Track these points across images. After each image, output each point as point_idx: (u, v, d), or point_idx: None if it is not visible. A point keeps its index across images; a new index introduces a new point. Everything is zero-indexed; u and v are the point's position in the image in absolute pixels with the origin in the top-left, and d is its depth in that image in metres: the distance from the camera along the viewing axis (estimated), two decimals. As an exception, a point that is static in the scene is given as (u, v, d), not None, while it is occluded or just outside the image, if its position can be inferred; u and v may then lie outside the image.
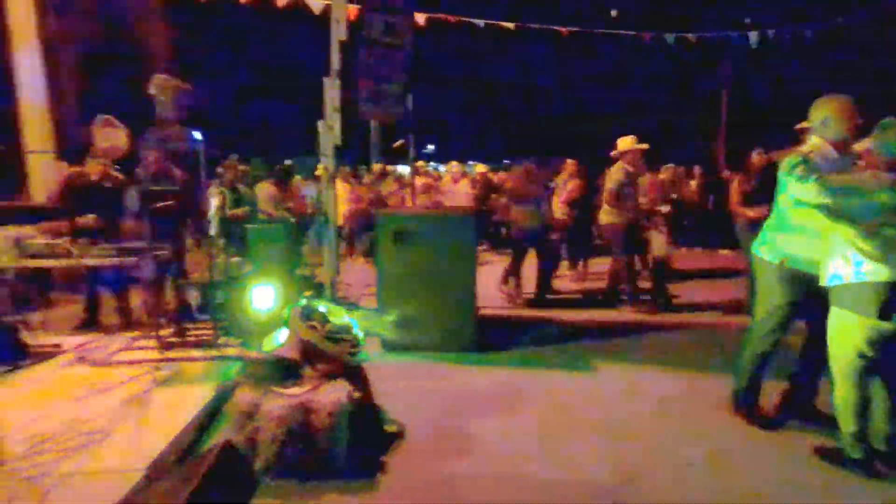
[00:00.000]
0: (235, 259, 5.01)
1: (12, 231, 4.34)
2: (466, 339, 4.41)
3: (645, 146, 5.72)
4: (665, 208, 6.30)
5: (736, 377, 3.21)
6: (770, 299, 2.99)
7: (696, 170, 10.99)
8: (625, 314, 5.61)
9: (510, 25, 9.88)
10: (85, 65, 8.16)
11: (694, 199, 10.31)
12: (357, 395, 2.77)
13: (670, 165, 9.54)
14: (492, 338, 4.67)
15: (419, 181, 9.12)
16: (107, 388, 3.41)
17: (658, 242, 5.90)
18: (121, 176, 5.39)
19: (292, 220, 6.89)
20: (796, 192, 2.72)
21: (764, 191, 4.00)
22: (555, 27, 10.23)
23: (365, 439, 2.73)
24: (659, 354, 4.37)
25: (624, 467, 2.72)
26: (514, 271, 6.09)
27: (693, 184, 10.67)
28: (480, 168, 11.05)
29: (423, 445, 2.92)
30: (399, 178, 10.41)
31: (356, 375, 2.94)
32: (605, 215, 5.78)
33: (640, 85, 25.11)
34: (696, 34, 10.51)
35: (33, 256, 4.62)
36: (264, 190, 7.22)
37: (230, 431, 2.65)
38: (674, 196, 8.61)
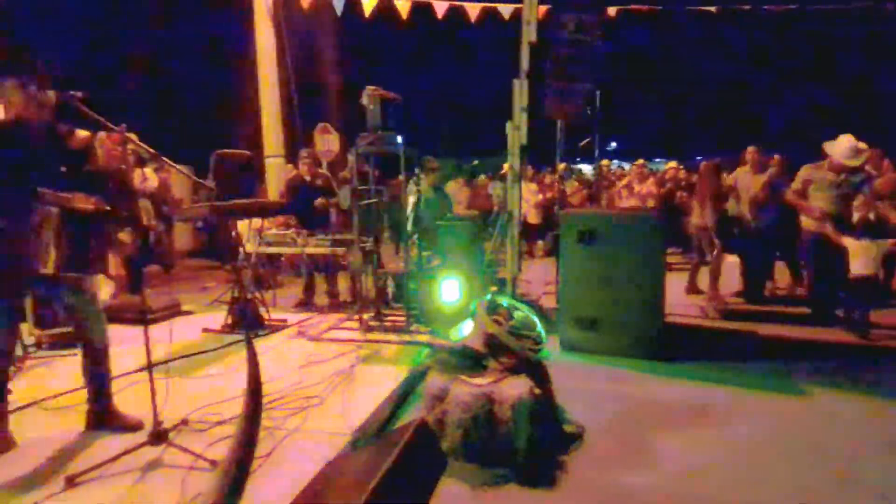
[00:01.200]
0: (426, 253, 5.42)
1: (256, 223, 5.24)
2: (652, 345, 4.21)
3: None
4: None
5: None
6: None
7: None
8: (837, 334, 4.81)
9: (712, 9, 9.07)
10: (306, 82, 9.49)
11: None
12: (538, 391, 2.84)
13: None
14: (680, 347, 4.39)
15: (608, 178, 8.84)
16: (321, 361, 3.96)
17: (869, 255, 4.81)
18: (328, 175, 6.20)
19: (477, 217, 7.21)
20: None
21: None
22: (768, 6, 9.13)
23: (545, 436, 2.79)
24: (887, 386, 3.71)
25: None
26: (713, 276, 5.66)
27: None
28: (671, 165, 10.34)
29: (602, 451, 2.88)
30: (582, 178, 10.22)
31: (538, 372, 3.01)
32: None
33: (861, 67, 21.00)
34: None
35: (269, 244, 5.52)
36: (453, 188, 7.67)
37: (421, 410, 2.91)
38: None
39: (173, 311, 5.42)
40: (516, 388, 2.78)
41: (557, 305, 4.63)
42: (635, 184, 8.67)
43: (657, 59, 24.28)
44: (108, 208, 2.64)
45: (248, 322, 4.72)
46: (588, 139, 6.60)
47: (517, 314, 3.21)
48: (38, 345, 4.12)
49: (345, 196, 4.98)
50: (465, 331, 3.84)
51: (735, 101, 25.67)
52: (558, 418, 3.06)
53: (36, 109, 2.53)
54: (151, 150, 2.65)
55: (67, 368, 3.70)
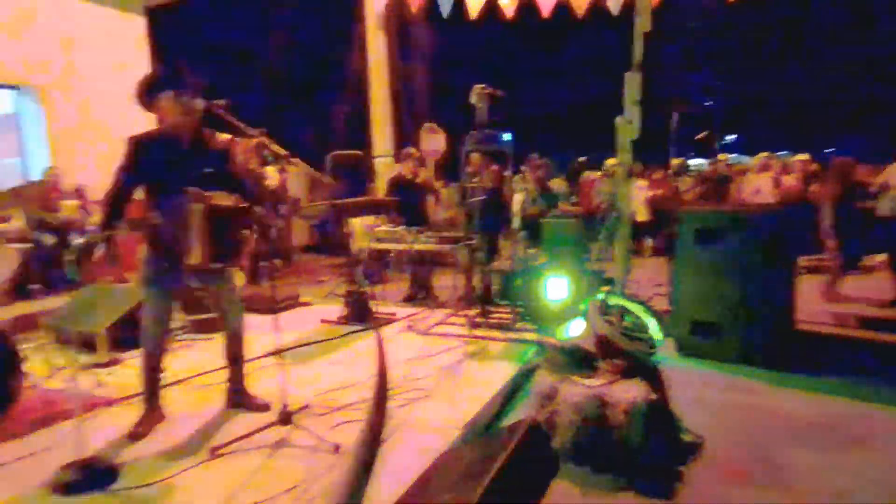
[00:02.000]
0: (532, 250, 5.38)
1: (369, 220, 5.48)
2: (778, 354, 3.89)
3: None
4: None
5: None
6: None
7: None
8: None
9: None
10: (414, 82, 9.77)
11: None
12: (653, 396, 2.73)
13: None
14: (812, 357, 4.02)
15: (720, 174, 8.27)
16: (429, 354, 4.07)
17: None
18: (429, 173, 6.35)
19: (583, 214, 7.04)
20: None
21: None
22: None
23: (660, 444, 2.68)
24: None
25: None
26: (831, 279, 5.14)
27: None
28: (801, 158, 9.44)
29: (725, 465, 2.71)
30: (697, 173, 9.63)
31: (652, 376, 2.89)
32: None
33: None
34: None
35: (379, 241, 5.75)
36: (558, 185, 7.55)
37: (530, 409, 2.90)
38: None
39: (293, 302, 5.82)
40: (630, 391, 2.69)
41: (671, 308, 4.41)
42: (759, 178, 8.03)
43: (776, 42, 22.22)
44: (245, 206, 2.89)
45: (368, 317, 4.93)
46: (707, 132, 6.22)
47: (630, 316, 3.10)
48: (184, 328, 4.60)
49: (450, 193, 5.06)
50: (574, 330, 3.77)
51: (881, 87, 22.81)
52: (675, 426, 2.92)
53: (186, 117, 2.82)
54: (283, 152, 2.87)
55: (208, 351, 4.11)
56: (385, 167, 8.65)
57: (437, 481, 2.26)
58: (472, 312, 4.84)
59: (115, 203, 2.81)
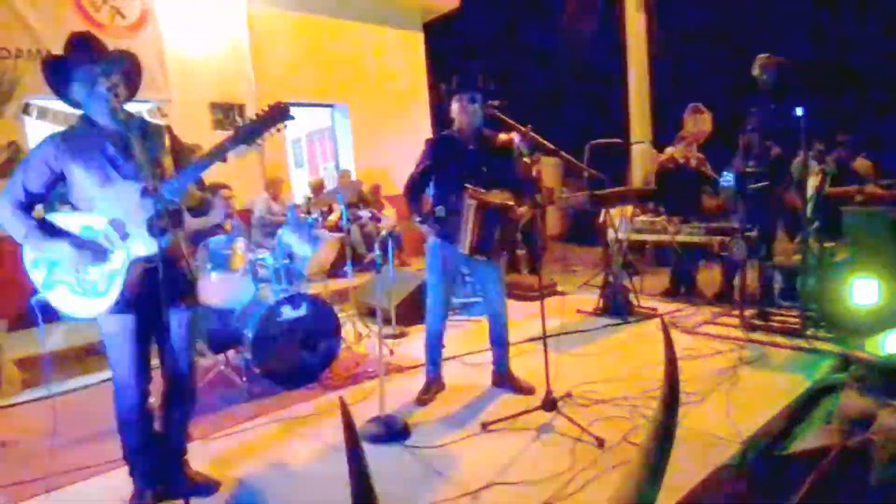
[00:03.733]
0: (829, 244, 4.54)
1: (627, 210, 5.30)
2: None
3: None
4: None
5: None
6: None
7: None
8: None
9: None
10: (676, 63, 9.03)
11: None
12: None
13: None
14: None
15: None
16: (697, 356, 3.77)
17: None
18: (701, 157, 5.75)
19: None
20: None
21: None
22: None
23: None
24: None
25: None
26: None
27: None
28: None
29: None
30: None
31: None
32: None
33: None
34: None
35: (637, 231, 5.52)
36: (862, 166, 6.18)
37: (828, 434, 2.47)
38: None
39: (550, 290, 5.97)
40: None
41: None
42: None
43: None
44: (512, 203, 3.05)
45: (626, 310, 4.81)
46: None
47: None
48: (457, 310, 5.12)
49: (727, 179, 4.55)
50: (892, 345, 3.07)
51: None
52: None
53: (471, 118, 3.11)
54: (550, 146, 2.96)
55: (475, 332, 4.50)
56: (643, 154, 8.23)
57: (709, 499, 2.09)
58: (748, 313, 4.31)
59: (413, 197, 3.26)
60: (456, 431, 2.94)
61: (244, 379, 3.66)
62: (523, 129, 2.94)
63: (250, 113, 7.45)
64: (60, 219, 2.19)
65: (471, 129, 3.16)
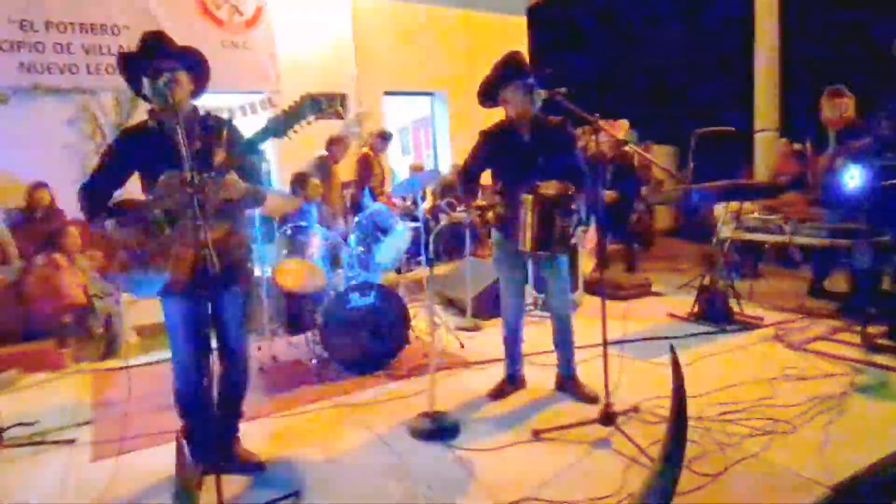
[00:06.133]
0: None
1: (734, 206, 4.75)
2: None
3: None
4: None
5: None
6: None
7: None
8: None
9: None
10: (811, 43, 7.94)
11: None
12: None
13: None
14: None
15: None
16: (799, 377, 3.28)
17: None
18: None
19: None
20: None
21: None
22: None
23: None
24: None
25: None
26: None
27: None
28: None
29: None
30: None
31: None
32: None
33: None
34: None
35: (747, 230, 4.94)
36: None
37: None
38: None
39: (643, 290, 5.55)
40: None
41: None
42: None
43: None
44: (571, 193, 2.82)
45: (725, 317, 4.34)
46: None
47: None
48: (535, 304, 4.92)
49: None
50: None
51: None
52: None
53: (524, 107, 2.92)
54: (620, 138, 2.70)
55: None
56: (766, 143, 7.34)
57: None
58: (873, 330, 3.68)
59: (465, 188, 3.15)
60: (506, 435, 2.81)
61: (313, 362, 3.79)
62: (592, 118, 2.69)
63: (352, 103, 7.74)
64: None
65: (526, 118, 2.96)
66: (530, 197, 2.78)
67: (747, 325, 4.28)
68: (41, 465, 2.76)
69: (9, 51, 5.94)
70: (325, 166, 5.90)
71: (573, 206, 2.79)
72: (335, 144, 6.14)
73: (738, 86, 7.99)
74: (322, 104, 2.08)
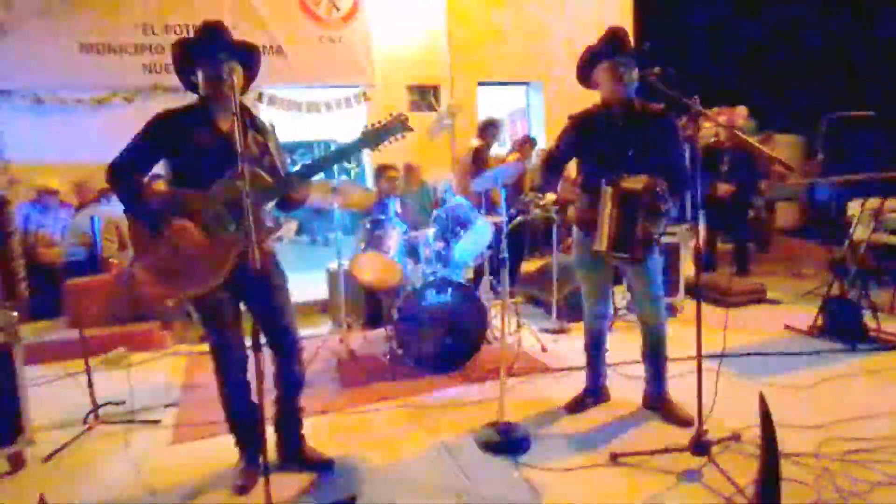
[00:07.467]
0: None
1: (873, 203, 4.06)
2: None
3: None
4: None
5: None
6: None
7: None
8: None
9: None
10: None
11: None
12: None
13: None
14: None
15: None
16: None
17: None
18: None
19: None
20: None
21: None
22: None
23: None
24: None
25: None
26: None
27: None
28: None
29: None
30: None
31: None
32: None
33: None
34: None
35: (889, 232, 4.22)
36: None
37: None
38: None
39: (756, 296, 4.96)
40: None
41: None
42: None
43: None
44: (659, 190, 2.46)
45: (856, 334, 3.72)
46: None
47: None
48: (628, 308, 4.51)
49: None
50: None
51: None
52: None
53: (621, 89, 2.60)
54: (727, 127, 2.32)
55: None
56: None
57: None
58: None
59: (547, 178, 2.88)
60: (580, 455, 2.55)
61: (387, 357, 3.73)
62: (690, 101, 2.33)
63: (444, 94, 7.64)
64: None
65: (620, 102, 2.63)
66: (610, 189, 2.48)
67: (885, 345, 3.64)
68: (127, 445, 2.91)
69: (134, 53, 6.50)
70: (481, 158, 5.52)
71: (662, 207, 2.43)
72: (487, 130, 5.70)
73: (884, 63, 6.87)
74: (408, 124, 2.28)
